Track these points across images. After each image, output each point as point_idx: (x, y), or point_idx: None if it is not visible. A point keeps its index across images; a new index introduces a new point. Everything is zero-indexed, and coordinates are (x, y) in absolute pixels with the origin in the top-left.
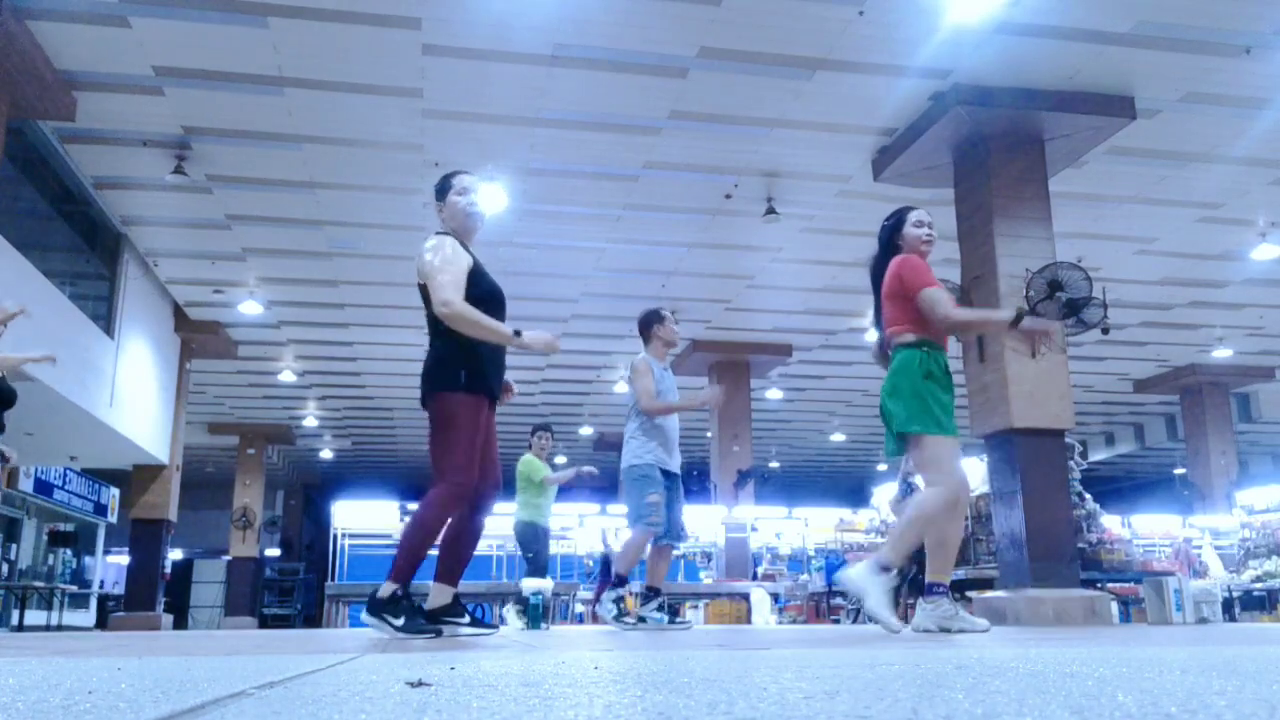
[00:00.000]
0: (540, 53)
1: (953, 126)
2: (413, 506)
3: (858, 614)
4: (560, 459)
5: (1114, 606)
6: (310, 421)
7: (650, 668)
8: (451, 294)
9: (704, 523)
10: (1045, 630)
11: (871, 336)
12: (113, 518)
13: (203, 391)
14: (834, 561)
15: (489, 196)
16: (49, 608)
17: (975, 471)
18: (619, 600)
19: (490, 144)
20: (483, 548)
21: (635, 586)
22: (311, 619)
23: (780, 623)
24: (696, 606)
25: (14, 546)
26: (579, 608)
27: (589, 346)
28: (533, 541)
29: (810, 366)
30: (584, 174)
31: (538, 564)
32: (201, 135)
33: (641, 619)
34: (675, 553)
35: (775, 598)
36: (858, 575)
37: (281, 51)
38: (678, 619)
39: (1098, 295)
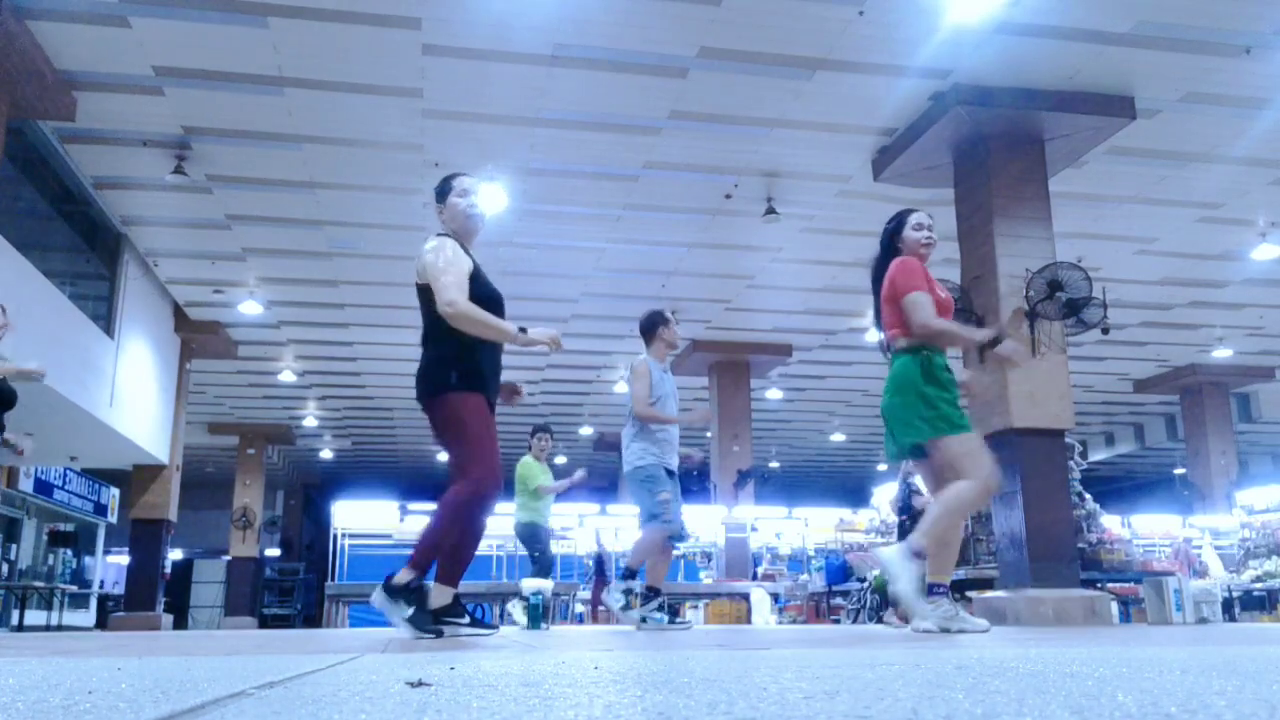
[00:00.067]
0: (540, 53)
1: (953, 126)
2: (413, 506)
3: (858, 614)
4: (560, 459)
5: (1114, 606)
6: (310, 421)
7: (650, 668)
8: (456, 294)
9: (704, 523)
10: (1045, 630)
11: (873, 336)
12: (113, 518)
13: (203, 391)
14: (834, 561)
15: (489, 196)
16: (49, 608)
17: None
18: (628, 592)
19: (490, 144)
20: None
21: (636, 586)
22: (311, 619)
23: (780, 623)
24: (696, 606)
25: (14, 546)
26: (579, 608)
27: (589, 346)
28: (536, 541)
29: (810, 366)
30: (584, 174)
31: (543, 563)
32: (201, 135)
33: (642, 619)
34: (675, 553)
35: (775, 598)
36: (891, 557)
37: (281, 51)
38: (678, 619)
39: (1098, 295)
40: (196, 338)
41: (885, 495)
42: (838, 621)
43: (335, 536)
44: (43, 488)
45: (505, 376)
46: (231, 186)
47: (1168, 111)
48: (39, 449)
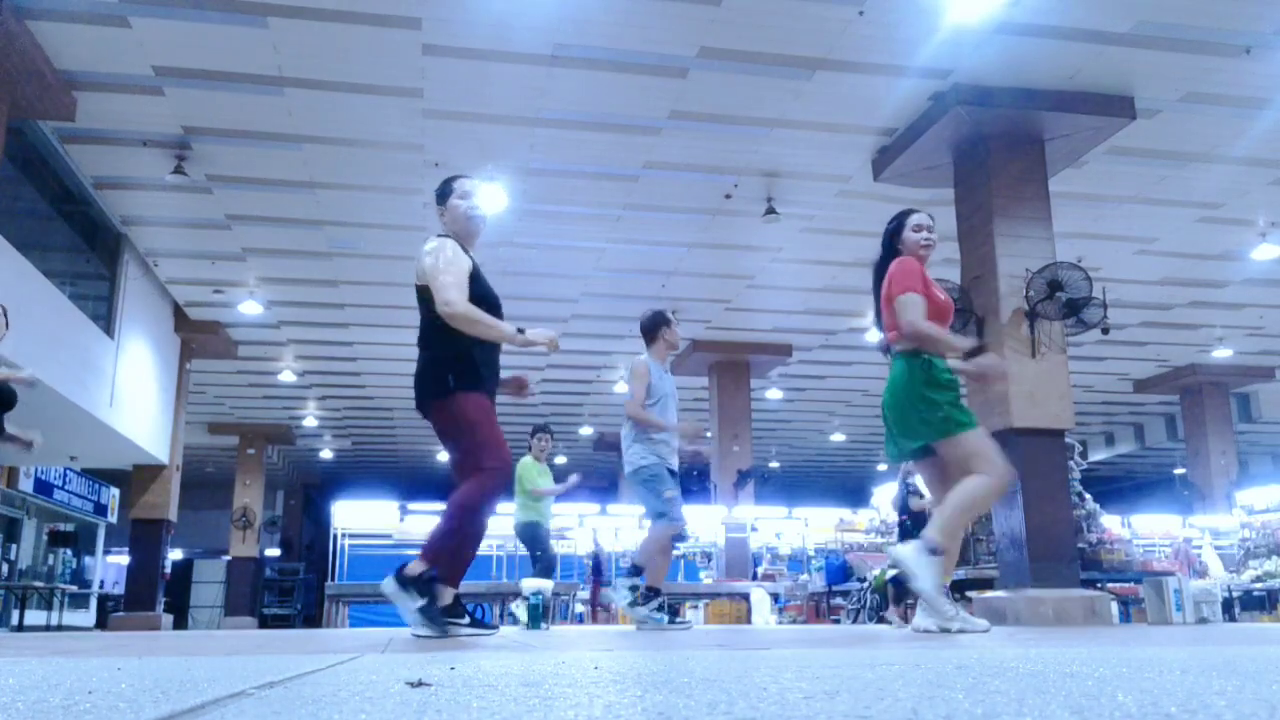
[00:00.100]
0: (540, 53)
1: (953, 126)
2: (413, 506)
3: (857, 614)
4: (560, 459)
5: (1114, 606)
6: (310, 421)
7: (650, 668)
8: (454, 294)
9: (704, 523)
10: (1045, 630)
11: (873, 337)
12: (113, 518)
13: (203, 391)
14: (834, 561)
15: (489, 196)
16: (49, 608)
17: None
18: (634, 588)
19: (490, 144)
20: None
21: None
22: (311, 619)
23: (780, 623)
24: (696, 606)
25: (14, 546)
26: (579, 608)
27: (589, 346)
28: (536, 541)
29: (810, 366)
30: (584, 174)
31: (546, 562)
32: (201, 135)
33: (642, 619)
34: (675, 553)
35: (775, 598)
36: (908, 556)
37: (281, 51)
38: (678, 619)
39: (1098, 295)
40: (196, 338)
41: (886, 495)
42: (837, 621)
43: (335, 536)
44: (43, 488)
45: (504, 374)
46: (231, 186)
47: (1168, 111)
48: (38, 449)
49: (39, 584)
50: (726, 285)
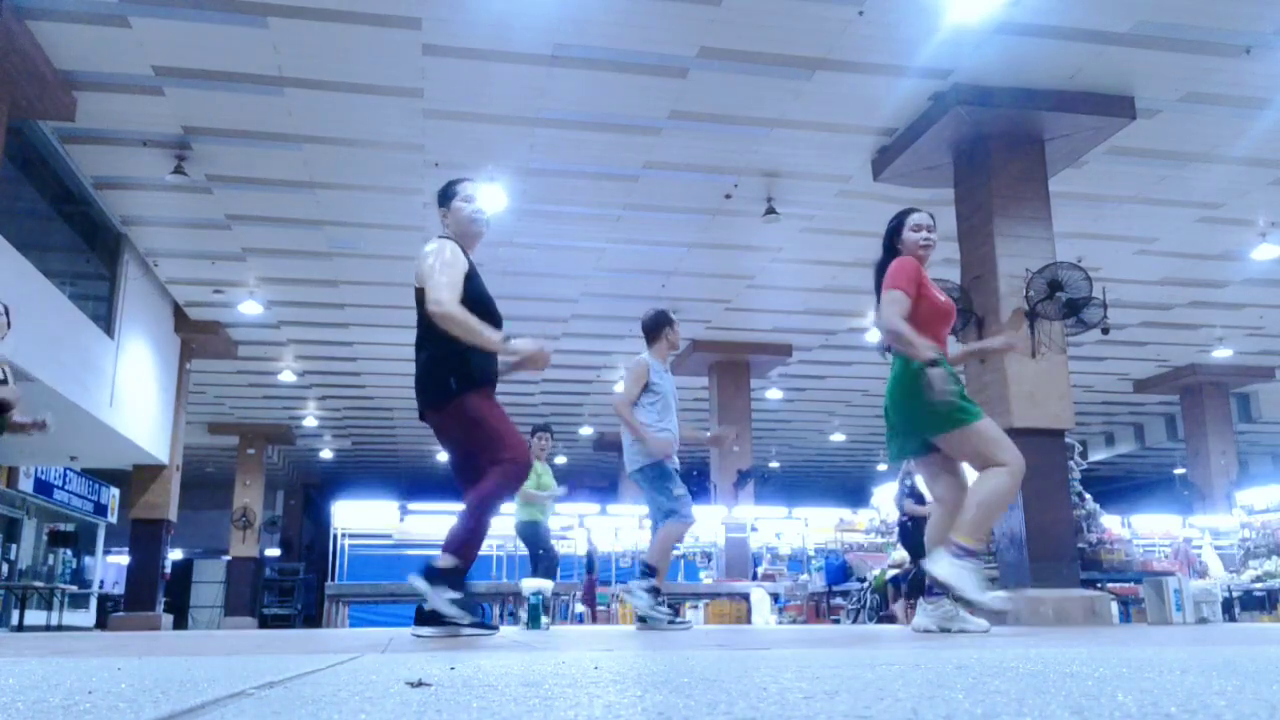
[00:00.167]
0: (540, 53)
1: (953, 126)
2: (413, 506)
3: (857, 614)
4: (560, 459)
5: (1114, 606)
6: (310, 421)
7: (650, 668)
8: (445, 294)
9: (704, 523)
10: (1045, 630)
11: (873, 337)
12: (113, 518)
13: (203, 391)
14: (834, 561)
15: (489, 196)
16: (49, 608)
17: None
18: (653, 590)
19: (490, 144)
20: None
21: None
22: (311, 619)
23: (780, 623)
24: (696, 606)
25: (14, 546)
26: (579, 608)
27: (589, 346)
28: (537, 540)
29: (810, 366)
30: (584, 174)
31: (549, 561)
32: (201, 135)
33: (642, 619)
34: (675, 552)
35: (775, 598)
36: (945, 570)
37: (281, 51)
38: (678, 619)
39: (1098, 295)
40: (196, 338)
41: (887, 496)
42: (837, 621)
43: (335, 536)
44: (43, 488)
45: (505, 375)
46: (231, 186)
47: (1168, 111)
48: (38, 449)
49: (39, 584)
50: (726, 285)
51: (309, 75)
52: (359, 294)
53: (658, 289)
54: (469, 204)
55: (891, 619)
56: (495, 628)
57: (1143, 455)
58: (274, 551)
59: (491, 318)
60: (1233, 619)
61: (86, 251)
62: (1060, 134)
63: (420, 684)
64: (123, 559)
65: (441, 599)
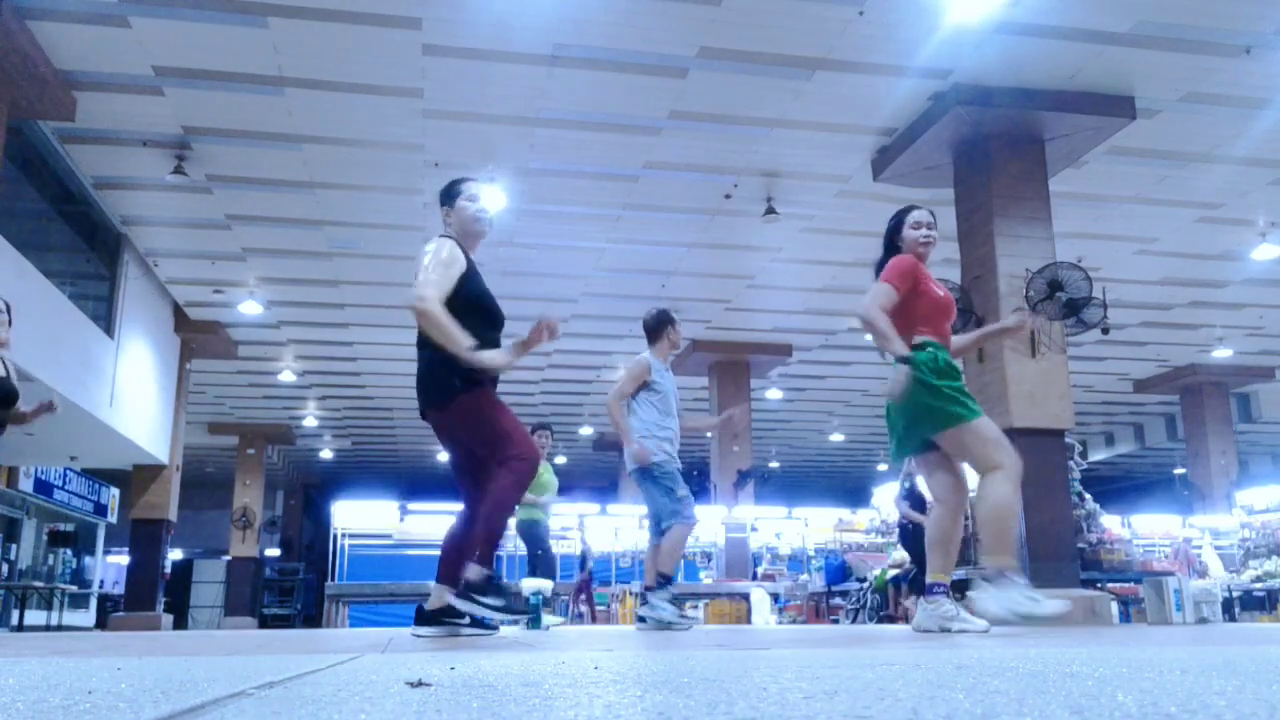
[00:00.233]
0: (540, 53)
1: (953, 126)
2: (413, 506)
3: (857, 614)
4: (560, 459)
5: (1114, 606)
6: (310, 421)
7: (650, 668)
8: (430, 291)
9: (704, 523)
10: (1045, 630)
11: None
12: (113, 518)
13: (203, 391)
14: (833, 561)
15: (489, 197)
16: (49, 608)
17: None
18: (676, 599)
19: (490, 144)
20: None
21: (635, 586)
22: (311, 619)
23: (780, 623)
24: (696, 606)
25: (14, 546)
26: (581, 607)
27: (589, 346)
28: (536, 540)
29: (810, 366)
30: (584, 174)
31: (546, 561)
32: (201, 135)
33: (641, 619)
34: None
35: (775, 598)
36: (991, 601)
37: (281, 51)
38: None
39: (1098, 295)
40: (196, 338)
41: (886, 495)
42: (837, 621)
43: (335, 536)
44: (43, 488)
45: (505, 375)
46: (231, 186)
47: (1168, 111)
48: (39, 449)
49: (39, 584)
50: (726, 285)
51: (309, 75)
52: (359, 294)
53: (658, 289)
54: (473, 203)
55: (891, 619)
56: (495, 628)
57: (1143, 455)
58: (274, 551)
59: (493, 317)
60: (1233, 619)
61: (86, 251)
62: (1060, 134)
63: (420, 684)
64: (123, 559)
65: (489, 610)
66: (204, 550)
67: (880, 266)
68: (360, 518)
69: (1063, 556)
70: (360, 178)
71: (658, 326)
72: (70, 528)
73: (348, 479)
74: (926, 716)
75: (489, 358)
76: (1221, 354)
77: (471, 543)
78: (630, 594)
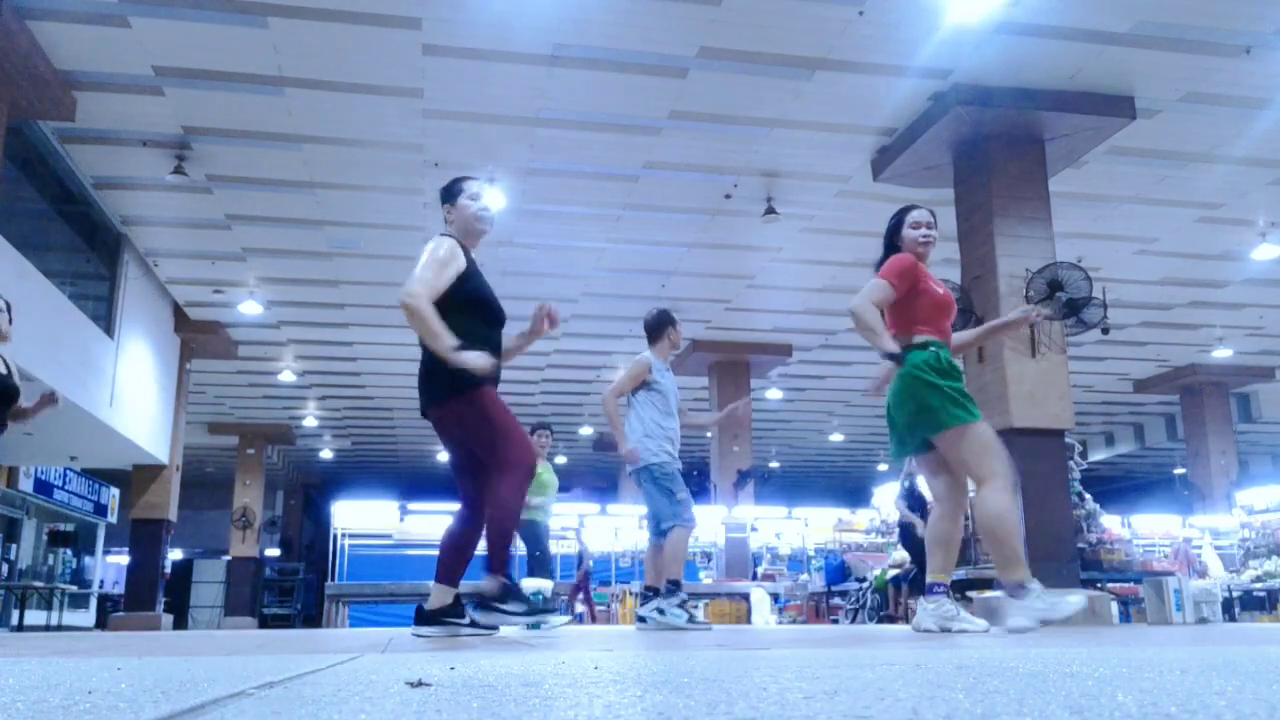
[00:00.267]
0: (540, 53)
1: (953, 126)
2: (413, 506)
3: (856, 614)
4: (560, 459)
5: (1114, 606)
6: (310, 421)
7: (650, 668)
8: (418, 288)
9: (704, 523)
10: (1045, 630)
11: None
12: (113, 518)
13: (203, 391)
14: (833, 561)
15: (489, 197)
16: (49, 608)
17: None
18: (684, 603)
19: (490, 144)
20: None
21: (635, 586)
22: (311, 619)
23: (780, 623)
24: (697, 606)
25: (14, 546)
26: (579, 607)
27: (589, 346)
28: (535, 539)
29: (810, 366)
30: (584, 174)
31: (544, 561)
32: (201, 135)
33: (641, 619)
34: None
35: (775, 598)
36: (1019, 622)
37: (281, 51)
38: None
39: (1098, 295)
40: (196, 338)
41: (886, 495)
42: (837, 621)
43: (335, 536)
44: (43, 488)
45: (504, 375)
46: (231, 186)
47: (1168, 111)
48: (39, 449)
49: (39, 584)
50: (726, 285)
51: (309, 75)
52: (359, 294)
53: (658, 289)
54: (475, 202)
55: (891, 619)
56: (495, 628)
57: (1143, 455)
58: (274, 551)
59: (494, 315)
60: (1233, 619)
61: (86, 251)
62: (1060, 134)
63: (420, 684)
64: (123, 559)
65: (514, 618)
66: (204, 550)
67: (880, 266)
68: (360, 518)
69: (1063, 556)
70: (360, 178)
71: (658, 326)
72: (70, 528)
73: (348, 479)
74: (926, 716)
75: (471, 359)
76: (1221, 354)
77: (471, 542)
78: (630, 594)
